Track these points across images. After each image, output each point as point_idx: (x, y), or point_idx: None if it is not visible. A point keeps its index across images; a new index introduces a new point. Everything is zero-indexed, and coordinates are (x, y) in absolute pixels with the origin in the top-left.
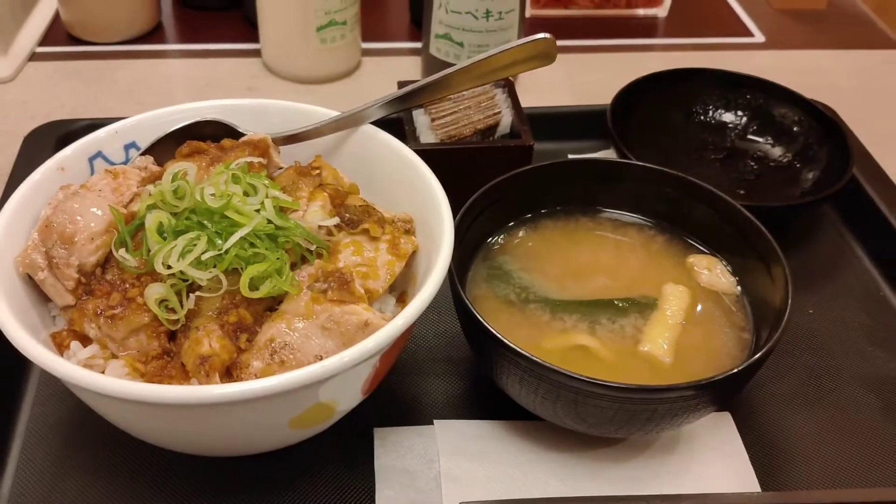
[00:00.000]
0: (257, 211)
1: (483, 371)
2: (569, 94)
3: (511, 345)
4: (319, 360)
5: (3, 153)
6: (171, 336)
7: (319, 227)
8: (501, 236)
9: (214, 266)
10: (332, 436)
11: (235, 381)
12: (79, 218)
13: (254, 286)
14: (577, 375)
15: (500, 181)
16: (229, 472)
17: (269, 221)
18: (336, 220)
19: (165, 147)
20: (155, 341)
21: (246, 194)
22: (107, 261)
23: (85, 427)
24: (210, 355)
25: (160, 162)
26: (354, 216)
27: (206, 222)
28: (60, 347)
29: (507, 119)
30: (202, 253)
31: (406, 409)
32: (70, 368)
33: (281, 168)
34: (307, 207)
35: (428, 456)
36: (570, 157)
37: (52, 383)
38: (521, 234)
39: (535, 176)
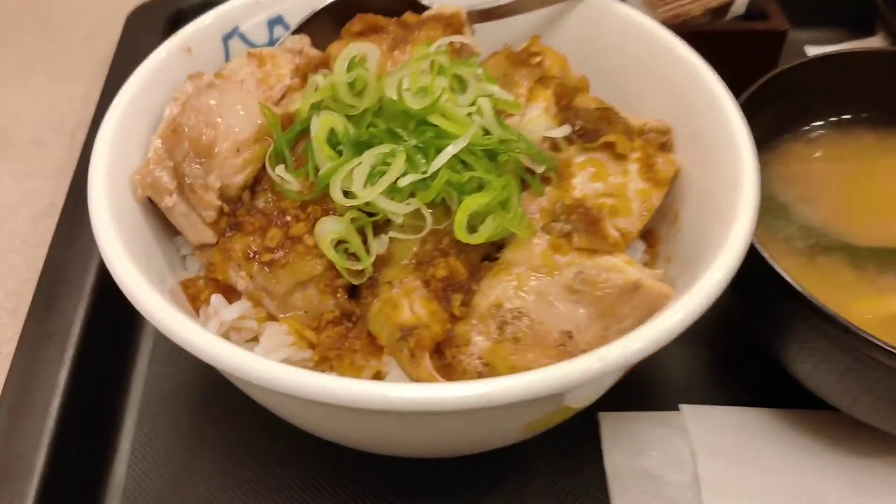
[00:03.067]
0: (469, 116)
1: (762, 337)
2: None
3: (820, 306)
4: (569, 338)
5: (102, 38)
6: (352, 292)
7: (544, 138)
8: (771, 154)
9: (413, 195)
10: None
11: (452, 363)
12: (219, 120)
13: (471, 226)
14: None
15: (773, 77)
16: (415, 469)
17: (486, 132)
18: (567, 128)
19: (322, 24)
20: (330, 299)
21: (452, 90)
22: (256, 182)
23: (213, 393)
24: (415, 326)
25: (318, 44)
26: (589, 124)
27: (400, 131)
28: (195, 302)
29: None
30: (399, 176)
31: (639, 389)
32: (215, 346)
33: (476, 54)
34: (525, 111)
35: (677, 455)
36: (809, 49)
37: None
38: (798, 149)
39: (824, 71)
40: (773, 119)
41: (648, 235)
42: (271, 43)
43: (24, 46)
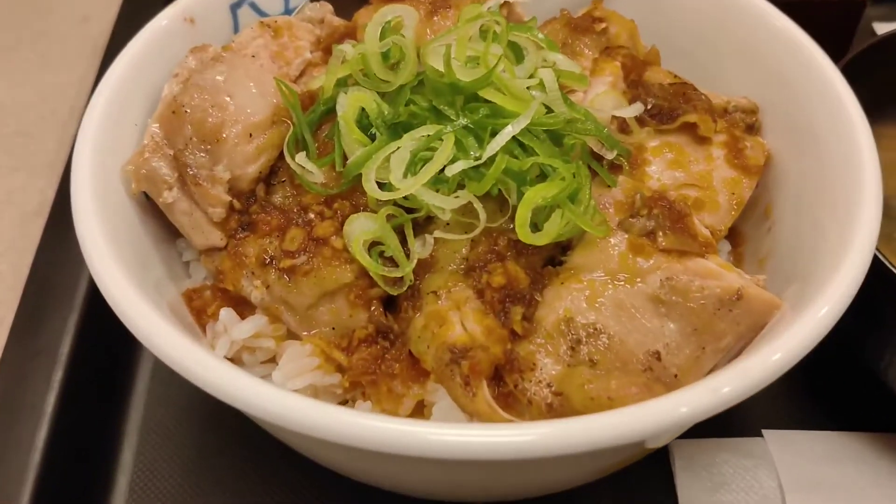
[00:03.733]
0: (529, 90)
1: (863, 352)
2: None
3: None
4: (656, 360)
5: (97, 20)
6: (390, 304)
7: (612, 118)
8: None
9: (462, 187)
10: None
11: (515, 392)
12: (227, 99)
13: (533, 223)
14: None
15: (871, 47)
16: None
17: (548, 109)
18: (639, 107)
19: None
20: (363, 312)
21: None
22: (272, 172)
23: (222, 419)
24: (468, 346)
25: (342, 12)
26: (663, 101)
27: (446, 109)
28: (201, 316)
29: None
30: (446, 164)
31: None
32: (220, 375)
33: (525, 21)
34: (589, 86)
35: (762, 489)
36: (878, 26)
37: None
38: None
39: None
40: (866, 98)
41: (732, 233)
42: (287, 12)
43: (12, 29)
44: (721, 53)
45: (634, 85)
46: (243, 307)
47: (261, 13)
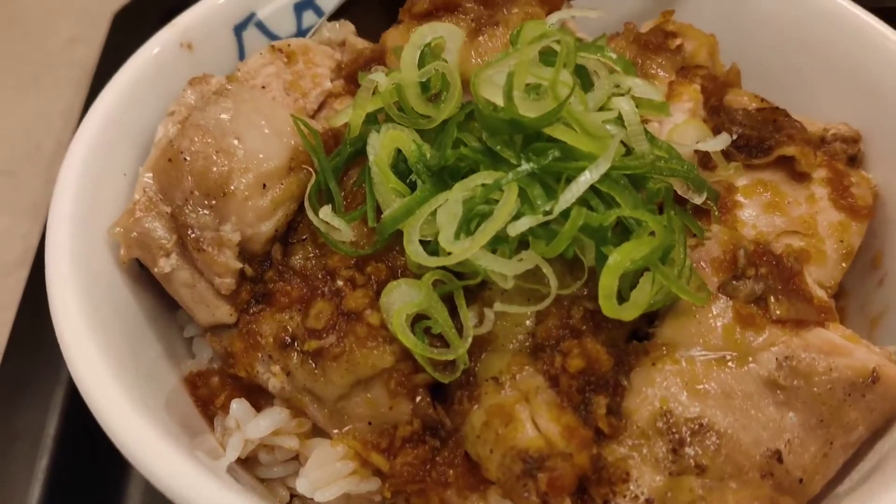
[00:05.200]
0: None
1: None
2: None
3: None
4: (777, 462)
5: (85, 42)
6: (439, 392)
7: (695, 152)
8: None
9: (526, 246)
10: None
11: None
12: (235, 142)
13: (619, 296)
14: None
15: None
16: None
17: (628, 151)
18: (725, 138)
19: (370, 5)
20: (406, 403)
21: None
22: (290, 228)
23: None
24: (545, 453)
25: (366, 33)
26: (751, 131)
27: (503, 150)
28: (207, 407)
29: None
30: (509, 220)
31: None
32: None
33: (580, 39)
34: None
35: None
36: None
37: None
38: None
39: None
40: None
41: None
42: (300, 33)
43: None
44: (810, 72)
45: (715, 111)
46: (259, 395)
47: (269, 35)
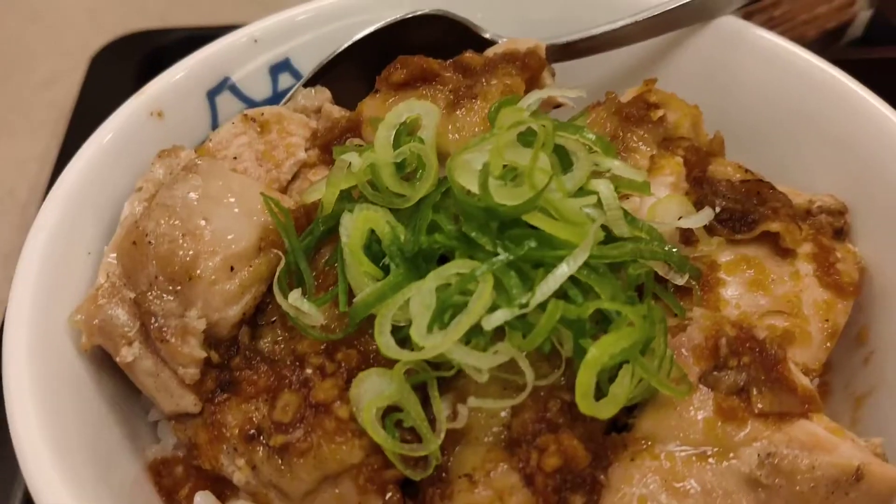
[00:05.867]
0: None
1: None
2: None
3: None
4: None
5: (63, 84)
6: (410, 489)
7: (676, 230)
8: None
9: (502, 338)
10: None
11: None
12: (202, 223)
13: (597, 389)
14: None
15: None
16: None
17: (608, 234)
18: (708, 213)
19: (347, 71)
20: (376, 500)
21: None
22: (258, 309)
23: None
24: None
25: (343, 100)
26: (734, 204)
27: (479, 237)
28: (171, 497)
29: (864, 15)
30: (484, 313)
31: None
32: None
33: (558, 106)
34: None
35: None
36: None
37: None
38: None
39: None
40: None
41: None
42: (277, 97)
43: None
44: (798, 139)
45: (698, 183)
46: (225, 485)
47: (244, 99)
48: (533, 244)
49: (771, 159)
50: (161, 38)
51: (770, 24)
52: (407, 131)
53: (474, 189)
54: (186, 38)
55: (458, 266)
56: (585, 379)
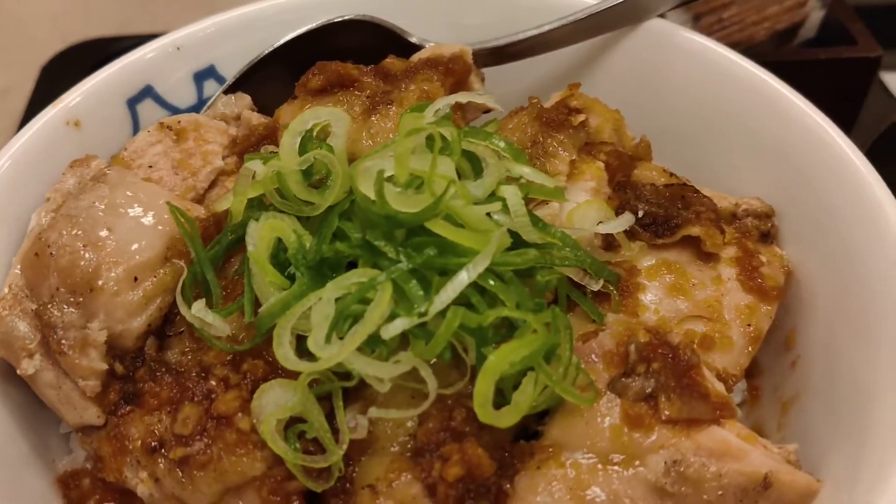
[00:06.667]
0: (490, 216)
1: None
2: None
3: None
4: None
5: (19, 93)
6: (313, 499)
7: (595, 234)
8: None
9: (405, 347)
10: None
11: None
12: (104, 234)
13: (499, 390)
14: None
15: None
16: None
17: (516, 240)
18: (629, 218)
19: (272, 76)
20: None
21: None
22: (167, 320)
23: None
24: None
25: (264, 106)
26: (658, 208)
27: (383, 246)
28: None
29: (816, 16)
30: (382, 322)
31: None
32: None
33: (489, 111)
34: (567, 194)
35: None
36: (887, 76)
37: None
38: None
39: None
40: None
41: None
42: (201, 104)
43: None
44: (723, 144)
45: (622, 187)
46: (132, 498)
47: (168, 107)
48: (433, 252)
49: (700, 163)
50: (113, 46)
51: (719, 26)
52: (317, 138)
53: (376, 194)
54: (139, 46)
55: (357, 275)
56: (483, 387)
